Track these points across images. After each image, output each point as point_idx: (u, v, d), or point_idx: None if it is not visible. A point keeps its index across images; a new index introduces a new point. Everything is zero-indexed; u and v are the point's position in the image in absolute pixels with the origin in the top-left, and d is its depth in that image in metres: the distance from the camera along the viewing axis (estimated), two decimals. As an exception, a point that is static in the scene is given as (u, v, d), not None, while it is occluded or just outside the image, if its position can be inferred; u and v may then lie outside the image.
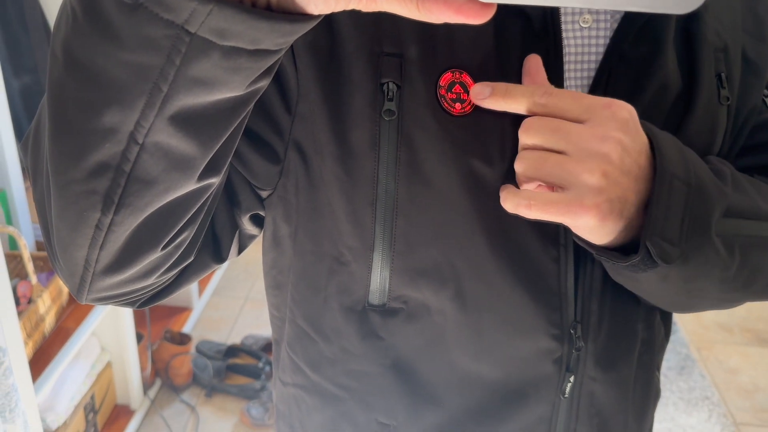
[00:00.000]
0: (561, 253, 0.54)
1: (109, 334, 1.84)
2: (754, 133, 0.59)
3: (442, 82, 0.49)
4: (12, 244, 1.56)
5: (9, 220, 1.54)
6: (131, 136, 0.35)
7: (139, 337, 2.00)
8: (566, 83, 0.52)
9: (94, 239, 0.40)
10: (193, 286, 2.43)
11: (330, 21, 0.49)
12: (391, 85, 0.49)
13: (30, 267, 1.44)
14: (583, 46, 0.51)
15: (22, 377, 1.23)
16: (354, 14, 0.48)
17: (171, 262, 0.47)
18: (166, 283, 0.52)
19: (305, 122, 0.51)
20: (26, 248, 1.41)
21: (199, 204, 0.44)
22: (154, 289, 0.51)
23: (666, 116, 0.53)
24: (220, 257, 0.55)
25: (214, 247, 0.55)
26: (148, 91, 0.33)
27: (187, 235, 0.46)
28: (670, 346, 2.37)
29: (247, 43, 0.32)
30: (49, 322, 1.52)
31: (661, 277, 0.49)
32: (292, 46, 0.49)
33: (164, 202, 0.40)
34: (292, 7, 0.32)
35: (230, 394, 2.07)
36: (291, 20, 0.32)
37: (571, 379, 0.58)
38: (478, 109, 0.49)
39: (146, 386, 2.02)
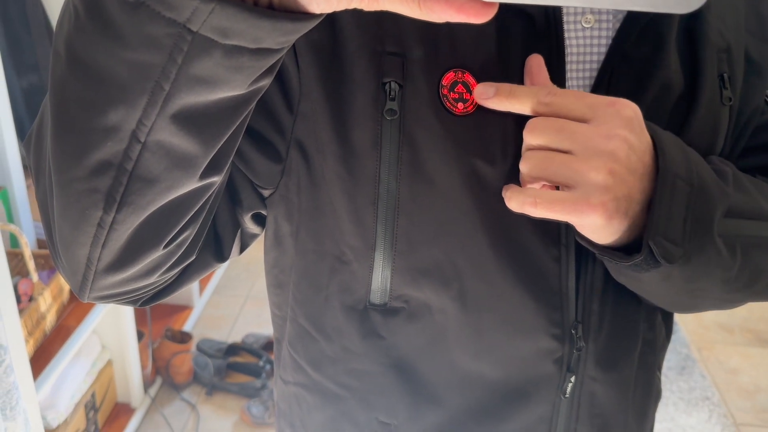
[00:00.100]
0: (562, 253, 0.54)
1: (110, 332, 1.85)
2: (756, 133, 0.59)
3: (444, 82, 0.49)
4: (13, 241, 1.56)
5: (10, 218, 1.54)
6: (133, 135, 0.35)
7: (140, 336, 2.01)
8: (568, 83, 0.52)
9: (96, 237, 0.40)
10: (193, 285, 2.43)
11: (332, 20, 0.49)
12: (393, 84, 0.49)
13: (31, 265, 1.44)
14: (585, 46, 0.51)
15: (23, 375, 1.23)
16: (356, 13, 0.48)
17: (173, 260, 0.47)
18: (168, 282, 0.52)
19: (307, 121, 0.51)
20: (27, 246, 1.42)
21: (201, 202, 0.44)
22: (155, 287, 0.51)
23: (668, 116, 0.53)
24: (221, 256, 0.55)
25: (215, 245, 0.55)
26: (150, 90, 0.33)
27: (189, 234, 0.46)
28: (670, 346, 2.37)
29: (249, 42, 0.32)
30: (50, 320, 1.53)
31: (663, 277, 0.49)
32: (294, 45, 0.49)
33: (166, 200, 0.40)
34: (294, 6, 0.32)
35: (231, 392, 2.07)
36: (293, 19, 0.32)
37: (572, 379, 0.58)
38: (480, 109, 0.49)
39: (147, 384, 2.02)
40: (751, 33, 0.56)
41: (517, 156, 0.50)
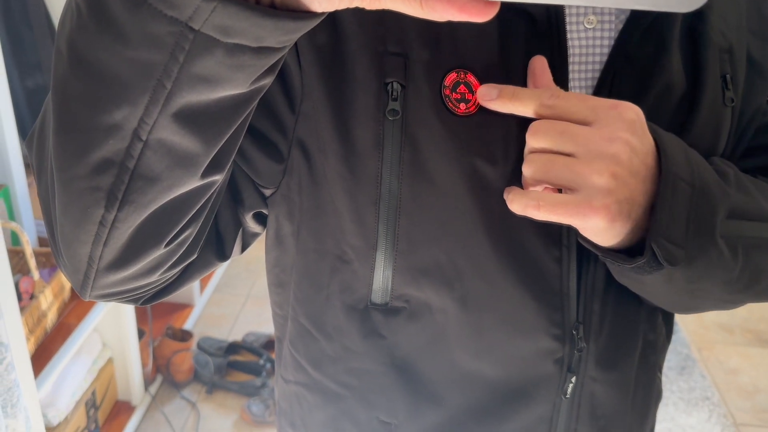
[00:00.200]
0: (563, 254, 0.54)
1: (111, 330, 1.85)
2: (758, 134, 0.59)
3: (446, 82, 0.49)
4: (14, 239, 1.57)
5: (12, 216, 1.55)
6: (135, 133, 0.35)
7: (141, 334, 2.01)
8: (571, 84, 0.52)
9: (97, 236, 0.40)
10: (194, 283, 2.43)
11: (334, 19, 0.49)
12: (395, 84, 0.49)
13: (32, 263, 1.44)
14: (588, 47, 0.51)
15: (24, 373, 1.24)
16: (358, 13, 0.48)
17: (174, 259, 0.47)
18: (170, 281, 0.52)
19: (309, 121, 0.51)
20: (29, 244, 1.42)
21: (203, 201, 0.44)
22: (157, 286, 0.51)
23: (670, 117, 0.53)
24: (223, 255, 0.55)
25: (217, 244, 0.55)
26: (151, 88, 0.33)
27: (191, 233, 0.46)
28: (671, 347, 2.37)
29: (250, 41, 0.32)
30: (51, 317, 1.53)
31: (665, 279, 0.49)
32: (296, 44, 0.49)
33: (168, 199, 0.40)
34: (295, 5, 0.32)
35: (231, 390, 2.07)
36: (295, 18, 0.32)
37: (573, 379, 0.58)
38: (482, 110, 0.49)
39: (147, 382, 2.03)
40: (753, 33, 0.56)
41: (519, 157, 0.50)
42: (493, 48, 0.49)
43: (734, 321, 2.53)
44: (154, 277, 0.48)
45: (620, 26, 0.51)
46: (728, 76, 0.54)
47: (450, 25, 0.48)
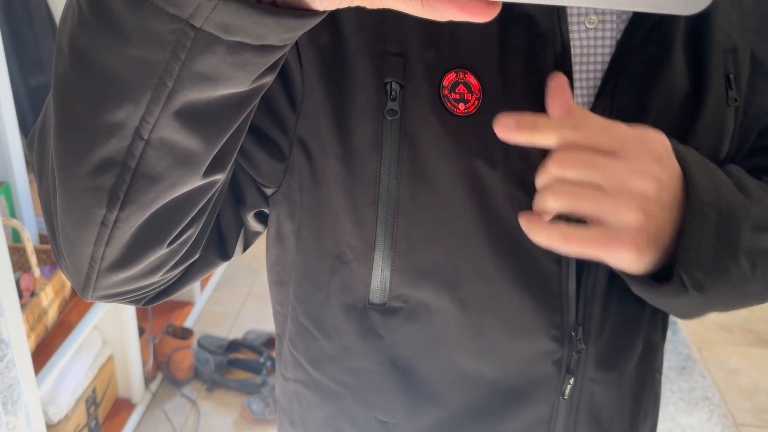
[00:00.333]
0: (563, 255, 0.54)
1: (111, 327, 1.85)
2: (762, 134, 0.58)
3: (445, 83, 0.49)
4: (15, 236, 1.57)
5: (12, 213, 1.55)
6: (136, 132, 0.35)
7: (141, 331, 2.01)
8: (573, 85, 0.51)
9: (99, 236, 0.40)
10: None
11: (335, 18, 0.49)
12: (394, 84, 0.49)
13: (33, 260, 1.44)
14: (590, 47, 0.51)
15: (24, 370, 1.24)
16: (358, 12, 0.48)
17: (176, 259, 0.47)
18: (172, 281, 0.52)
19: (310, 119, 0.51)
20: (29, 241, 1.42)
21: (205, 200, 0.44)
22: (159, 286, 0.50)
23: (674, 118, 0.52)
24: (225, 254, 0.55)
25: (219, 244, 0.55)
26: (152, 87, 0.33)
27: (193, 232, 0.46)
28: (671, 347, 2.37)
29: (252, 39, 0.32)
30: (51, 315, 1.53)
31: (687, 299, 0.49)
32: (297, 43, 0.49)
33: (169, 198, 0.40)
34: (297, 3, 0.32)
35: (231, 388, 2.08)
36: (296, 16, 0.32)
37: (571, 380, 0.58)
38: (481, 110, 0.49)
39: (148, 380, 2.03)
40: (757, 33, 0.56)
41: (519, 157, 0.50)
42: (494, 48, 0.49)
43: (734, 321, 2.53)
44: (157, 278, 0.47)
45: (622, 26, 0.51)
46: (731, 76, 0.54)
47: (450, 25, 0.48)
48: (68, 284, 1.60)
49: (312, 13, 0.32)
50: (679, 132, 0.52)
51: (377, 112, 0.49)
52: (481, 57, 0.49)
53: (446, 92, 0.49)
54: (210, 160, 0.39)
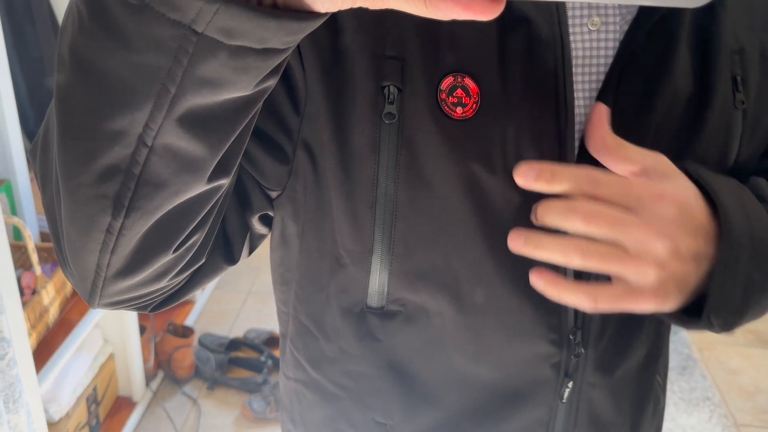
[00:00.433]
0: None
1: (112, 326, 1.85)
2: None
3: (442, 86, 0.49)
4: (16, 234, 1.57)
5: (14, 211, 1.55)
6: (140, 139, 0.35)
7: (142, 330, 2.01)
8: (575, 87, 0.51)
9: (105, 243, 0.40)
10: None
11: (335, 20, 0.48)
12: (392, 88, 0.49)
13: (34, 258, 1.44)
14: (592, 49, 0.50)
15: (25, 368, 1.24)
16: (357, 15, 0.48)
17: (182, 264, 0.47)
18: (178, 286, 0.51)
19: (313, 122, 0.51)
20: (31, 239, 1.42)
21: (210, 205, 0.43)
22: (166, 292, 0.50)
23: (679, 121, 0.52)
24: (231, 258, 0.55)
25: (225, 248, 0.54)
26: (155, 93, 0.33)
27: (199, 237, 0.46)
28: (671, 347, 2.37)
29: (254, 42, 0.32)
30: (52, 313, 1.53)
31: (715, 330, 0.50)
32: (299, 46, 0.49)
33: (175, 204, 0.40)
34: (298, 5, 0.32)
35: (232, 387, 2.08)
36: (298, 18, 0.31)
37: (569, 384, 0.58)
38: (479, 114, 0.49)
39: (148, 378, 2.03)
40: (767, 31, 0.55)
41: (516, 161, 0.49)
42: (492, 52, 0.49)
43: (735, 321, 2.53)
44: (163, 283, 0.47)
45: (626, 27, 0.50)
46: (739, 77, 0.53)
47: (449, 28, 0.48)
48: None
49: (314, 15, 0.32)
50: (685, 134, 0.51)
51: (375, 115, 0.49)
52: (480, 60, 0.49)
53: (443, 96, 0.49)
54: (214, 165, 0.39)
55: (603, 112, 0.48)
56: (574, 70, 0.51)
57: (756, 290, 0.49)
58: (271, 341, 2.24)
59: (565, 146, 0.50)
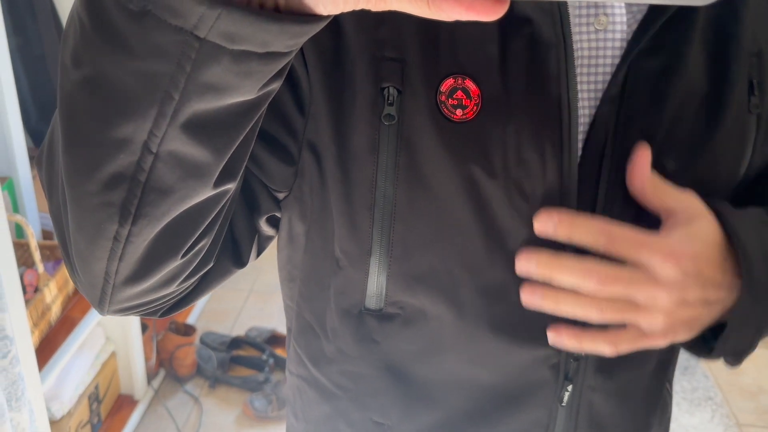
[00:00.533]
0: None
1: (114, 324, 1.85)
2: None
3: (442, 88, 0.48)
4: (19, 232, 1.57)
5: (16, 209, 1.55)
6: (145, 146, 0.35)
7: (144, 328, 2.01)
8: (579, 87, 0.50)
9: (112, 251, 0.40)
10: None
11: (336, 21, 0.48)
12: (391, 89, 0.48)
13: (37, 256, 1.44)
14: (598, 49, 0.49)
15: (28, 366, 1.24)
16: (357, 16, 0.48)
17: (191, 269, 0.47)
18: (188, 290, 0.51)
19: (316, 123, 0.51)
20: (33, 237, 1.42)
21: (217, 210, 0.43)
22: (175, 297, 0.50)
23: (691, 125, 0.51)
24: (240, 261, 0.55)
25: (233, 251, 0.54)
26: (159, 100, 0.33)
27: (207, 242, 0.46)
28: (674, 346, 2.37)
29: (257, 46, 0.31)
30: (55, 311, 1.53)
31: None
32: (302, 48, 0.49)
33: (181, 210, 0.40)
34: (300, 8, 0.32)
35: (233, 385, 2.08)
36: (300, 21, 0.31)
37: (569, 387, 0.57)
38: (480, 116, 0.49)
39: (150, 376, 2.03)
40: None
41: (517, 165, 0.49)
42: (494, 53, 0.48)
43: (738, 321, 2.53)
44: (172, 288, 0.47)
45: (635, 27, 0.49)
46: (755, 81, 0.52)
47: (450, 30, 0.48)
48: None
49: (316, 18, 0.32)
50: (698, 139, 0.50)
51: (374, 116, 0.49)
52: (481, 62, 0.48)
53: (443, 98, 0.48)
54: (220, 170, 0.39)
55: (645, 155, 0.50)
56: (579, 70, 0.50)
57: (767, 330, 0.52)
58: (273, 340, 2.24)
59: (567, 150, 0.50)
